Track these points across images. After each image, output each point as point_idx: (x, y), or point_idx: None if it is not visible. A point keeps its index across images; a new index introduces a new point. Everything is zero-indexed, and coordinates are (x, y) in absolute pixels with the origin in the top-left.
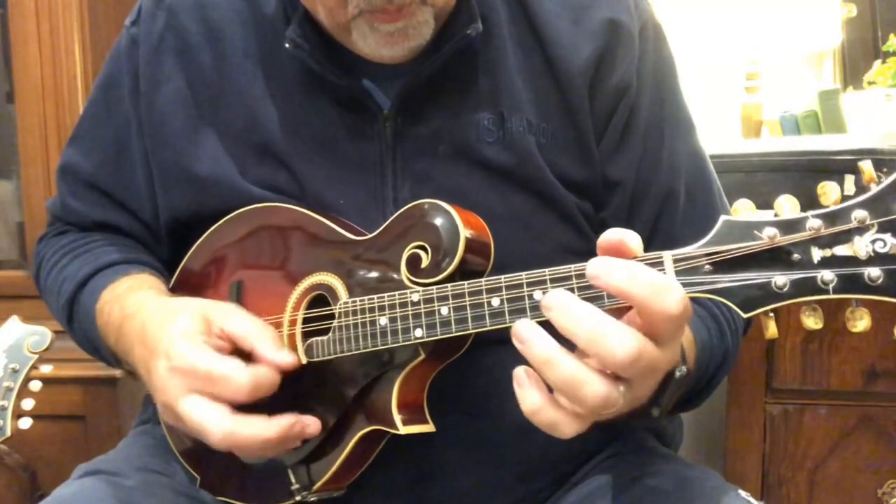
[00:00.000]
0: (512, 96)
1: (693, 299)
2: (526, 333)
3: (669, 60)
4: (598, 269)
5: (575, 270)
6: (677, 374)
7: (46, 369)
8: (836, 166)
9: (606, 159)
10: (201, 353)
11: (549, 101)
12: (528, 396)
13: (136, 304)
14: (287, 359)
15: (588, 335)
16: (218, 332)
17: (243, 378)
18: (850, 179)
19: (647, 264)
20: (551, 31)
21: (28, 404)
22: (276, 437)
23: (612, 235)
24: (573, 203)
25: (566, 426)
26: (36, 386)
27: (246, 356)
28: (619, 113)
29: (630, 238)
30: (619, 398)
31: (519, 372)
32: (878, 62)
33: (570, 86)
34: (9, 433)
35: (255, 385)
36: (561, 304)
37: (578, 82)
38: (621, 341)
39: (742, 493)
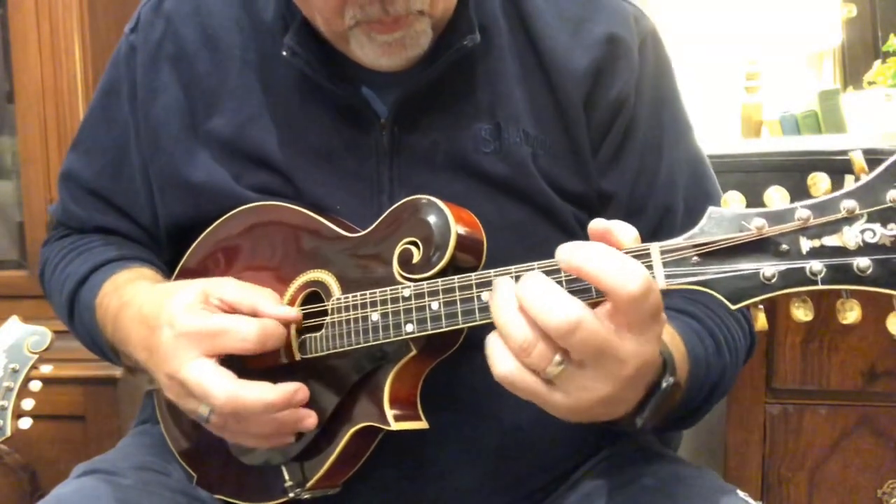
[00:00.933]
0: (509, 107)
1: (690, 313)
2: (497, 281)
3: (669, 74)
4: (562, 250)
5: None
6: (664, 384)
7: (46, 369)
8: (835, 166)
9: (601, 172)
10: (204, 316)
11: (546, 112)
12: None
13: (133, 292)
14: (290, 312)
15: (533, 297)
16: (216, 303)
17: (251, 328)
18: (849, 179)
19: (633, 256)
20: (549, 43)
21: (28, 404)
22: (279, 402)
23: (599, 225)
24: (570, 214)
25: (493, 350)
26: (36, 386)
27: None
28: (616, 127)
29: (617, 228)
30: (553, 361)
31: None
32: (878, 62)
33: (566, 97)
34: (9, 433)
35: (263, 334)
36: (530, 274)
37: (574, 94)
38: (561, 306)
39: (740, 493)
